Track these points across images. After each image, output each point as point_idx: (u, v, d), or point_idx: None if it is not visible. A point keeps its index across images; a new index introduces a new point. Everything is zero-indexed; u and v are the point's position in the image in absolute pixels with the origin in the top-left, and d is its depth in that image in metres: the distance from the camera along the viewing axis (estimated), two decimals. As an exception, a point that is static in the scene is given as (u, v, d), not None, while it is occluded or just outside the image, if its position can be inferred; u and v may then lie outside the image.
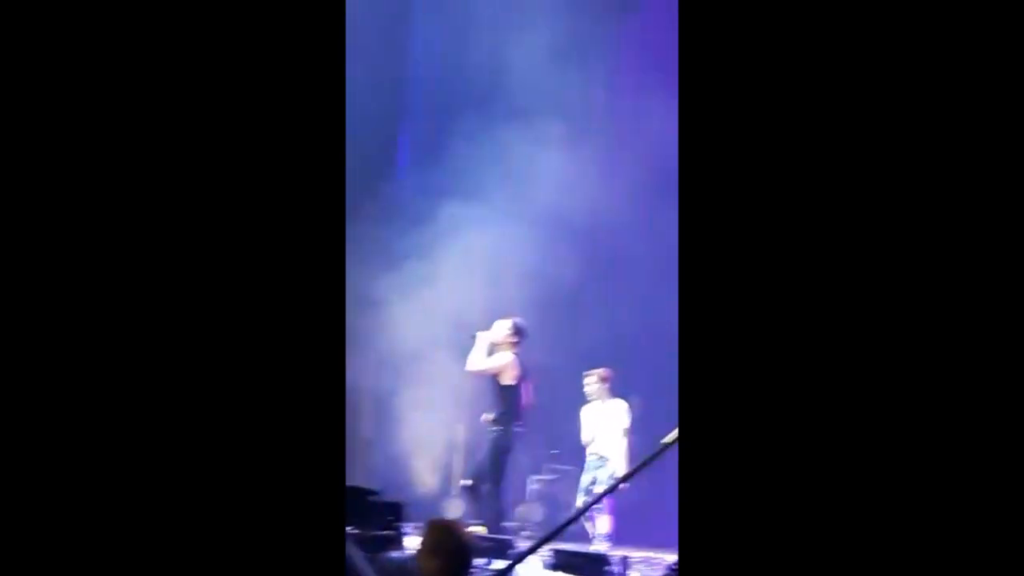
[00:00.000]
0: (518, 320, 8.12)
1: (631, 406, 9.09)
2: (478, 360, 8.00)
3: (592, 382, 8.77)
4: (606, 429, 8.73)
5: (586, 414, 8.87)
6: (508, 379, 7.98)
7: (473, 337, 8.09)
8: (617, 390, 8.87)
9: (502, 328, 8.02)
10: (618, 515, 8.64)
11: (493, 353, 8.04)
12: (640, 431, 8.68)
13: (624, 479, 4.66)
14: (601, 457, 8.78)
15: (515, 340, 8.01)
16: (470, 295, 9.80)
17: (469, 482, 8.09)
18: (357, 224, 10.14)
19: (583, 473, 8.94)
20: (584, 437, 8.84)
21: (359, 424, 10.91)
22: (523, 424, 8.06)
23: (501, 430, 7.92)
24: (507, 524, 8.33)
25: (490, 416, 8.02)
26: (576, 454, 9.54)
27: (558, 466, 10.62)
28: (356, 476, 10.68)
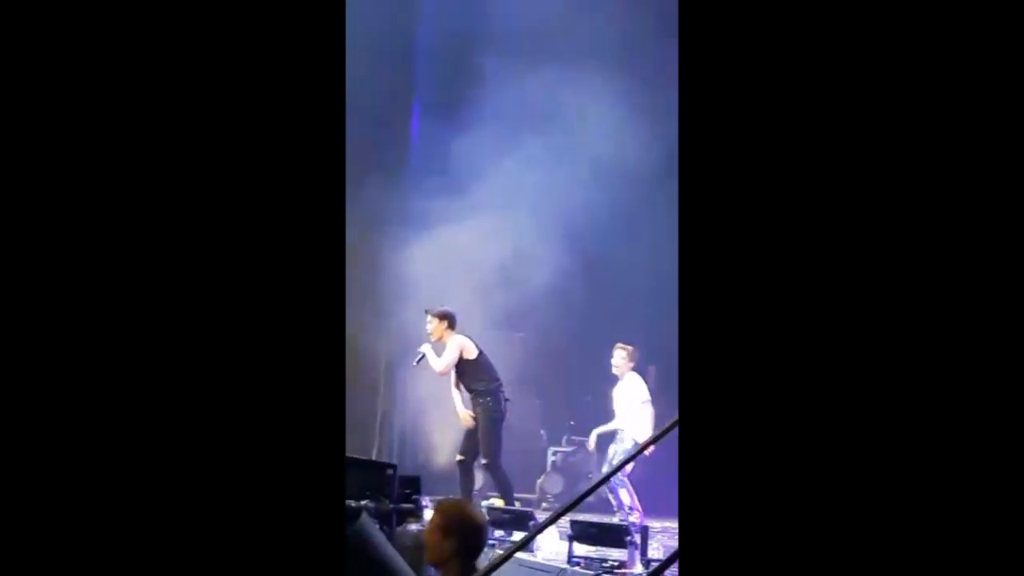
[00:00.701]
0: (440, 309, 8.21)
1: (649, 377, 9.04)
2: (439, 361, 8.10)
3: (621, 356, 8.72)
4: (626, 402, 8.71)
5: (617, 392, 8.86)
6: (471, 354, 8.03)
7: (420, 358, 8.20)
8: (639, 362, 8.81)
9: (433, 322, 8.13)
10: (638, 486, 8.60)
11: (444, 348, 8.14)
12: (658, 402, 8.63)
13: (639, 451, 4.61)
14: (623, 430, 8.77)
15: (447, 325, 8.11)
16: (491, 265, 9.76)
17: (461, 457, 8.11)
18: (376, 191, 10.18)
19: (610, 445, 8.94)
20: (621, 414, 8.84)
21: (377, 397, 10.94)
22: (506, 391, 8.10)
23: (492, 403, 7.93)
24: (523, 495, 8.35)
25: (479, 391, 8.06)
26: (593, 426, 9.50)
27: (576, 438, 10.62)
28: (373, 450, 10.73)
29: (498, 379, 8.12)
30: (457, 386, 8.18)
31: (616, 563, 6.26)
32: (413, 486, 5.79)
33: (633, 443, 8.46)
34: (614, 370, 8.74)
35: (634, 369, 8.75)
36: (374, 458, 10.01)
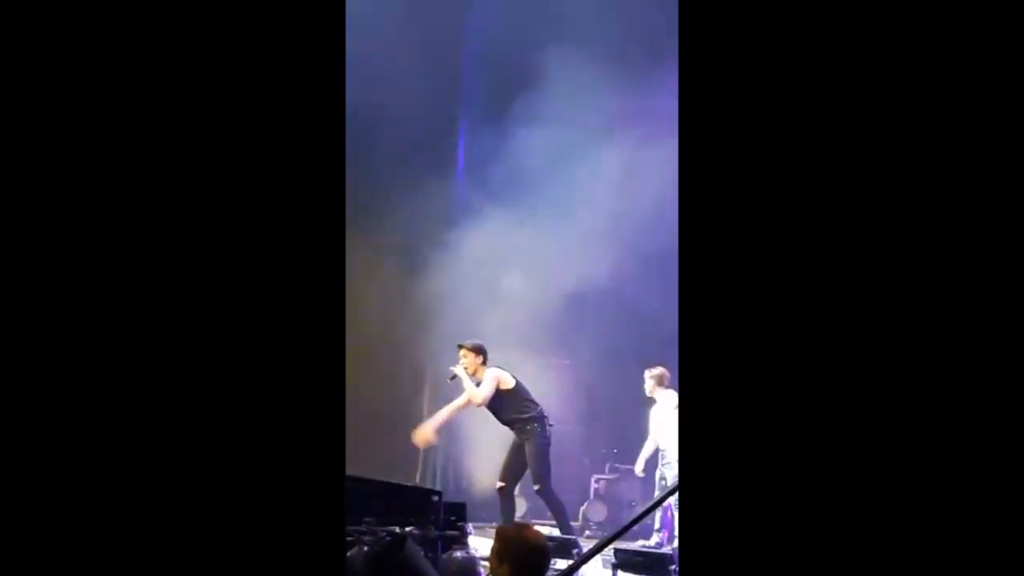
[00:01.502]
0: (473, 342, 8.19)
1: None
2: (478, 393, 8.06)
3: (648, 382, 8.73)
4: (665, 426, 8.68)
5: (652, 413, 8.84)
6: (508, 384, 8.05)
7: (453, 378, 8.18)
8: (671, 382, 8.75)
9: (468, 357, 8.12)
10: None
11: (480, 380, 8.12)
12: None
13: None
14: (662, 454, 8.74)
15: (482, 360, 8.12)
16: (537, 287, 9.71)
17: (501, 483, 8.11)
18: (419, 200, 10.16)
19: (656, 469, 8.91)
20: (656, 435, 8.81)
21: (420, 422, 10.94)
22: (550, 417, 8.10)
23: (540, 429, 7.94)
24: (571, 523, 8.31)
25: (524, 418, 8.05)
26: (637, 453, 9.44)
27: (619, 465, 10.55)
28: (417, 475, 10.73)
29: (538, 404, 8.13)
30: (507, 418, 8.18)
31: (660, 593, 6.20)
32: (458, 512, 5.79)
33: (675, 462, 8.43)
34: (649, 394, 8.76)
35: (667, 387, 8.73)
36: (418, 483, 10.03)
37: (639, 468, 9.08)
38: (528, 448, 7.94)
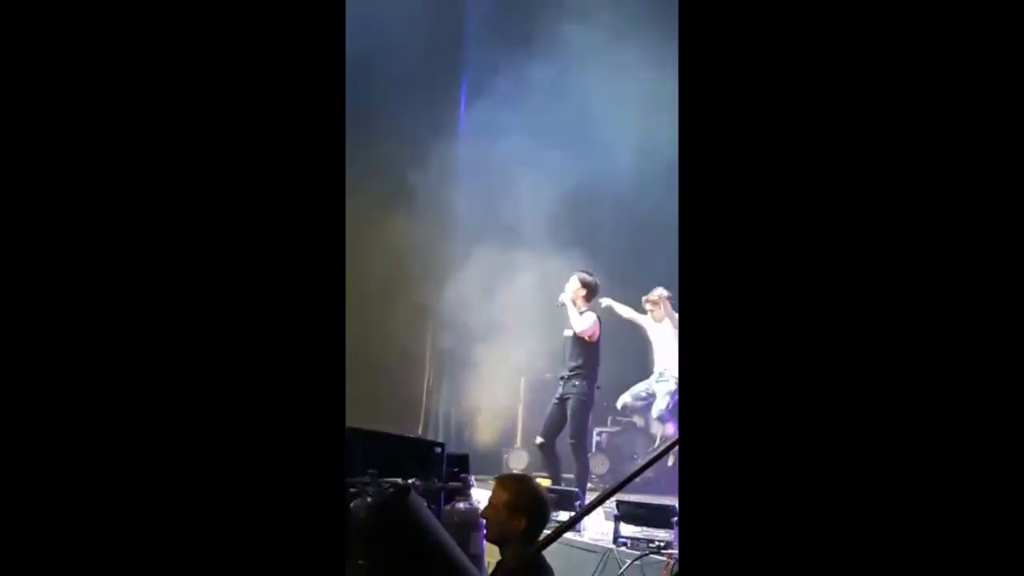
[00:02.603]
0: (586, 275, 8.11)
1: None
2: (580, 322, 8.02)
3: (648, 308, 8.83)
4: (664, 348, 8.78)
5: (652, 335, 8.93)
6: (594, 337, 8.03)
7: (561, 304, 8.09)
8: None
9: (573, 284, 8.05)
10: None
11: (580, 310, 8.08)
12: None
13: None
14: (661, 373, 8.85)
15: (586, 294, 8.01)
16: (539, 249, 9.68)
17: (541, 440, 8.11)
18: (423, 177, 10.09)
19: (643, 381, 9.02)
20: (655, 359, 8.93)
21: (423, 375, 10.95)
22: (599, 382, 8.11)
23: (586, 386, 7.95)
24: (568, 475, 8.33)
25: (572, 372, 8.03)
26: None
27: (622, 418, 10.58)
28: (419, 427, 10.77)
29: (597, 377, 8.12)
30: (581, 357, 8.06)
31: (662, 543, 6.22)
32: (461, 464, 5.80)
33: (674, 381, 8.54)
34: (653, 320, 8.85)
35: (670, 311, 8.82)
36: (420, 435, 10.06)
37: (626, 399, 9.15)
38: (573, 403, 7.97)
